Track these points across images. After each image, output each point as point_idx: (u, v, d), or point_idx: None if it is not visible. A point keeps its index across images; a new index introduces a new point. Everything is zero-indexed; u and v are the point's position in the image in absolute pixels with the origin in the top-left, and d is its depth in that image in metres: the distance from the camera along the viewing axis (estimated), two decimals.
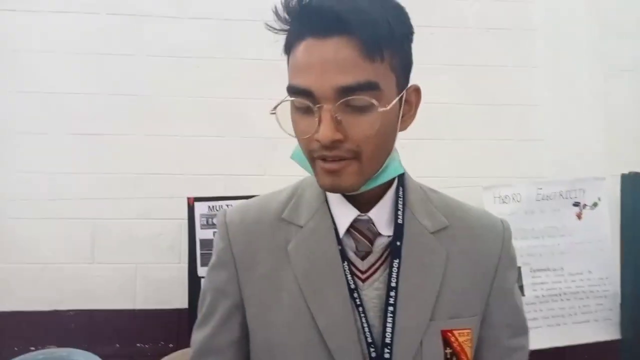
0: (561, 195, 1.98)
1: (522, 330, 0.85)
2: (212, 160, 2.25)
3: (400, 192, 0.81)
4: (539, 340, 1.85)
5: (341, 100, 0.66)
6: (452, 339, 0.75)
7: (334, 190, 0.73)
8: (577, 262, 1.94)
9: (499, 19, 2.41)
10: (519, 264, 1.92)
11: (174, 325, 2.12)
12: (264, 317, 0.77)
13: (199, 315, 0.84)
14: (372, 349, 0.73)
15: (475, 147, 2.35)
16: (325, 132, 0.66)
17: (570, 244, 1.95)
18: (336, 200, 0.80)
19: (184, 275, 2.08)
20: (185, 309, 2.04)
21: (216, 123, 2.27)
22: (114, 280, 2.16)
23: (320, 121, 0.66)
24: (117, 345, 2.12)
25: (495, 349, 0.81)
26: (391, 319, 0.73)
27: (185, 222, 2.08)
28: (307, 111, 0.69)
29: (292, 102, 0.71)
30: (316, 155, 0.70)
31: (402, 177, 0.83)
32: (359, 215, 0.78)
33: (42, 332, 2.10)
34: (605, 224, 1.96)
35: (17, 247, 2.14)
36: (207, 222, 2.02)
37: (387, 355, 0.72)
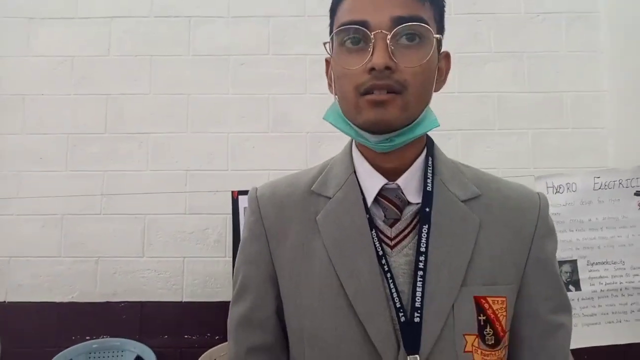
0: (621, 184, 1.86)
1: (563, 306, 0.79)
2: (257, 155, 2.28)
3: (430, 162, 0.80)
4: (597, 337, 1.73)
5: (396, 28, 0.69)
6: (486, 306, 0.72)
7: (377, 123, 0.71)
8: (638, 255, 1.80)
9: (554, 3, 2.31)
10: (575, 257, 1.83)
11: (221, 318, 2.14)
12: (296, 285, 0.78)
13: (234, 291, 0.85)
14: (401, 314, 0.71)
15: (529, 136, 2.25)
16: (379, 57, 0.68)
17: (632, 235, 1.82)
18: (365, 171, 0.80)
19: (230, 269, 2.12)
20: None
21: (261, 119, 2.30)
22: (163, 274, 2.23)
23: (374, 49, 0.69)
24: (166, 336, 2.17)
25: (535, 323, 0.77)
26: (421, 283, 0.72)
27: (231, 216, 2.12)
28: (357, 45, 0.72)
29: (338, 42, 0.73)
30: (364, 88, 0.70)
31: (432, 148, 0.82)
32: (386, 184, 0.77)
33: (97, 323, 2.19)
34: None
35: (74, 241, 2.25)
36: None
37: (417, 320, 0.70)
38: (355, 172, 0.81)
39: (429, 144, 0.82)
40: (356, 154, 0.82)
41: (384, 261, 0.74)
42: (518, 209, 0.79)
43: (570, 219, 1.85)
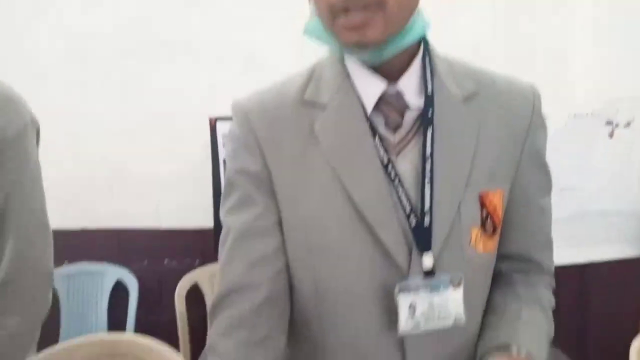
0: (593, 114, 1.91)
1: (549, 189, 0.84)
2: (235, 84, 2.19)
3: (427, 61, 0.77)
4: (558, 256, 1.84)
5: None
6: (487, 201, 0.75)
7: (359, 44, 0.68)
8: (604, 180, 1.89)
9: None
10: None
11: (199, 243, 2.18)
12: (297, 197, 0.75)
13: (230, 201, 0.79)
14: (411, 218, 0.72)
15: (501, 68, 2.23)
16: None
17: (600, 162, 1.90)
18: (360, 74, 0.76)
19: (209, 196, 2.12)
20: (209, 228, 2.10)
21: (238, 55, 2.18)
22: (140, 200, 2.21)
23: None
24: (145, 261, 2.20)
25: (527, 207, 0.81)
26: (429, 186, 0.72)
27: (209, 143, 2.10)
28: None
29: None
30: (338, 7, 0.66)
31: (427, 45, 0.78)
32: (386, 88, 0.74)
33: (74, 250, 2.17)
34: (639, 142, 1.90)
35: (49, 164, 2.17)
36: None
37: (427, 223, 0.72)
38: (349, 75, 0.77)
39: (424, 40, 0.78)
40: (348, 55, 0.77)
41: (390, 168, 0.73)
42: (512, 104, 0.79)
43: None
